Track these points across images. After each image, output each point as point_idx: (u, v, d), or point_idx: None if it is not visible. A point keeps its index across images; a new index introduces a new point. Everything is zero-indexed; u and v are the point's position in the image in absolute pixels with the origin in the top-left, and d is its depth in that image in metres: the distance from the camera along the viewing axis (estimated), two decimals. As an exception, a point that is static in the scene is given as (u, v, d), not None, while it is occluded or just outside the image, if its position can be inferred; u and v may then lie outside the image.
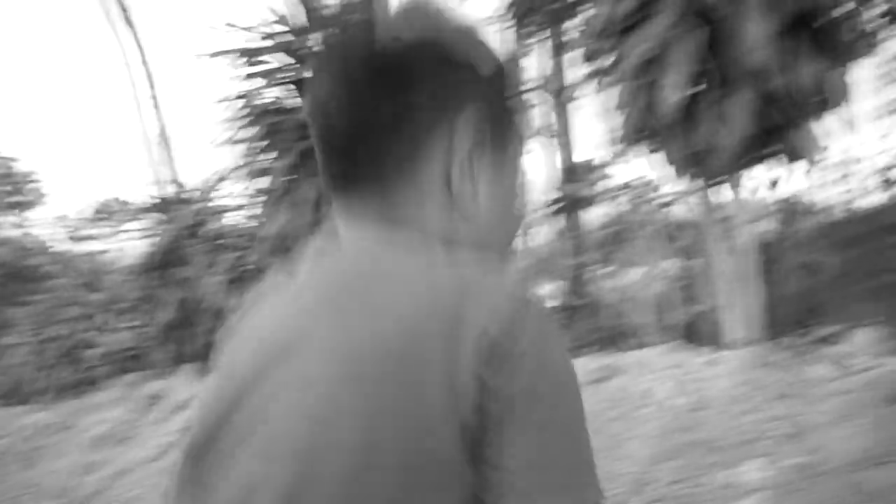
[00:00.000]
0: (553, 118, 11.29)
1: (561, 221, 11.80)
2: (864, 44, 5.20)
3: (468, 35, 0.72)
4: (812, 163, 4.86)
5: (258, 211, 8.00)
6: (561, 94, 9.40)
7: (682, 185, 5.57)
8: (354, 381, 0.57)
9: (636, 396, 4.24)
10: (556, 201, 7.65)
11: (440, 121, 0.66)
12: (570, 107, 10.66)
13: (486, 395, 0.55)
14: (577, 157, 12.36)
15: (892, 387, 3.72)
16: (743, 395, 3.53)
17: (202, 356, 9.20)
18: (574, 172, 11.63)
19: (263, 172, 7.59)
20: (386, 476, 0.55)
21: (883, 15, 14.01)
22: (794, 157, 4.92)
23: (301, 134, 6.97)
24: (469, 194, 0.66)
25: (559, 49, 9.42)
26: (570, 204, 9.36)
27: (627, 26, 4.52)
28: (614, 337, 6.25)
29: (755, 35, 3.91)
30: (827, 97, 4.84)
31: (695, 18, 4.33)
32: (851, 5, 4.83)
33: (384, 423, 0.56)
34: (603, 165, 10.70)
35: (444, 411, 0.55)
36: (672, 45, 4.35)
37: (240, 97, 7.48)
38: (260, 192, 7.77)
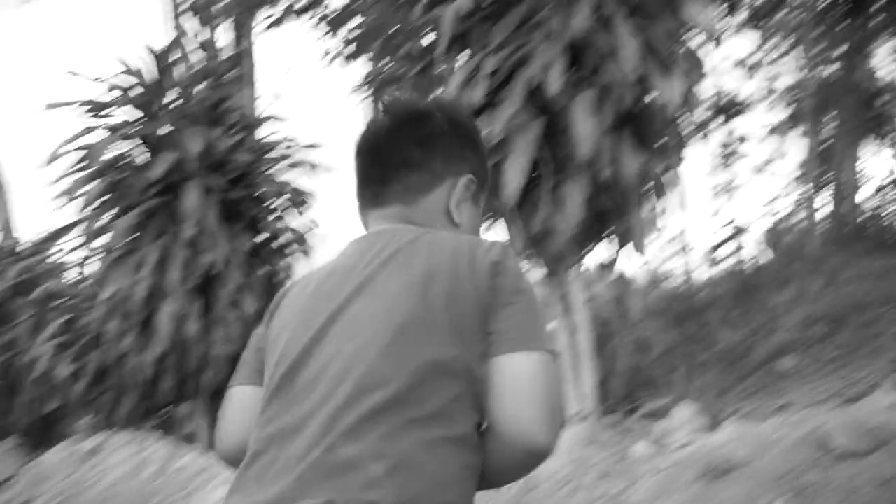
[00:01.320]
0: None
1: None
2: (683, 139, 5.75)
3: (471, 120, 1.30)
4: (640, 245, 5.23)
5: (96, 271, 7.47)
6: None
7: (525, 263, 5.82)
8: (422, 286, 1.00)
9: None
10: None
11: (448, 174, 1.15)
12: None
13: (492, 290, 1.00)
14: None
15: (705, 463, 3.98)
16: (570, 475, 3.63)
17: (29, 429, 8.36)
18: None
19: (104, 230, 7.13)
20: (441, 327, 0.98)
21: (710, 110, 15.60)
22: (624, 240, 5.30)
23: (147, 192, 6.66)
24: (457, 218, 1.16)
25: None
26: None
27: (475, 110, 4.71)
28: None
29: (585, 129, 4.19)
30: (654, 185, 5.29)
31: (536, 109, 4.58)
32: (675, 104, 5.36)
33: (440, 303, 0.99)
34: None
35: (471, 299, 0.99)
36: (514, 132, 4.57)
37: (83, 150, 7.04)
38: (99, 250, 7.28)
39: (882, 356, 5.29)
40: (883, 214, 15.10)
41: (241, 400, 1.20)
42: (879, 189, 17.24)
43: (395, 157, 1.17)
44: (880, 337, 5.76)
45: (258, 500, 0.95)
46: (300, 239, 7.58)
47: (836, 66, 17.69)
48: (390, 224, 1.14)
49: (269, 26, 8.79)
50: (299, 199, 7.63)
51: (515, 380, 0.99)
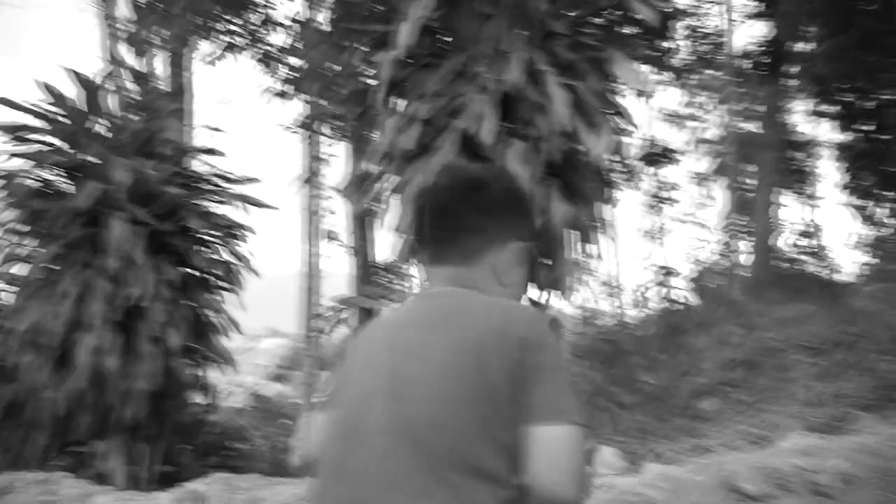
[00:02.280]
0: (352, 223, 11.51)
1: (357, 321, 11.84)
2: (612, 187, 5.99)
3: (522, 190, 1.47)
4: (567, 290, 5.37)
5: (11, 301, 7.13)
6: (356, 201, 9.63)
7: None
8: (457, 361, 1.17)
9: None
10: (342, 302, 7.66)
11: (500, 238, 1.32)
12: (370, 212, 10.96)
13: (521, 365, 1.15)
14: (378, 258, 12.64)
15: (624, 506, 4.06)
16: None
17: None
18: (370, 275, 11.83)
19: (23, 260, 6.84)
20: (472, 402, 1.15)
21: (640, 159, 16.20)
22: (553, 284, 5.44)
23: (70, 221, 6.45)
24: (505, 280, 1.32)
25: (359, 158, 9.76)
26: (360, 307, 9.45)
27: (410, 155, 4.79)
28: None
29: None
30: (582, 231, 5.47)
31: (469, 157, 4.69)
32: (603, 156, 5.58)
33: (473, 378, 1.15)
34: (398, 271, 11.00)
35: (501, 372, 1.15)
36: (448, 177, 4.65)
37: (4, 177, 6.78)
38: (15, 280, 6.97)
39: (794, 401, 5.55)
40: (799, 262, 15.91)
41: (320, 429, 1.41)
42: (795, 239, 18.20)
43: (457, 222, 1.34)
44: (793, 382, 6.05)
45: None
46: (231, 273, 7.45)
47: (756, 122, 18.74)
48: (447, 285, 1.34)
49: (208, 62, 8.76)
50: (232, 233, 7.53)
51: (549, 449, 1.17)
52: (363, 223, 11.33)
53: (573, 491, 1.16)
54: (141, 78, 8.49)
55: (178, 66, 8.92)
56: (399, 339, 1.27)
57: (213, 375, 7.89)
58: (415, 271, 5.81)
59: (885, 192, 17.66)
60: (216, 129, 8.11)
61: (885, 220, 17.24)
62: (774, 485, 3.16)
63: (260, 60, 8.59)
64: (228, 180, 7.59)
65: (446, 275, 1.33)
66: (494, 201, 1.35)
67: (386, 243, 5.27)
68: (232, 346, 7.90)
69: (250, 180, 7.66)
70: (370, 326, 1.43)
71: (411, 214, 1.54)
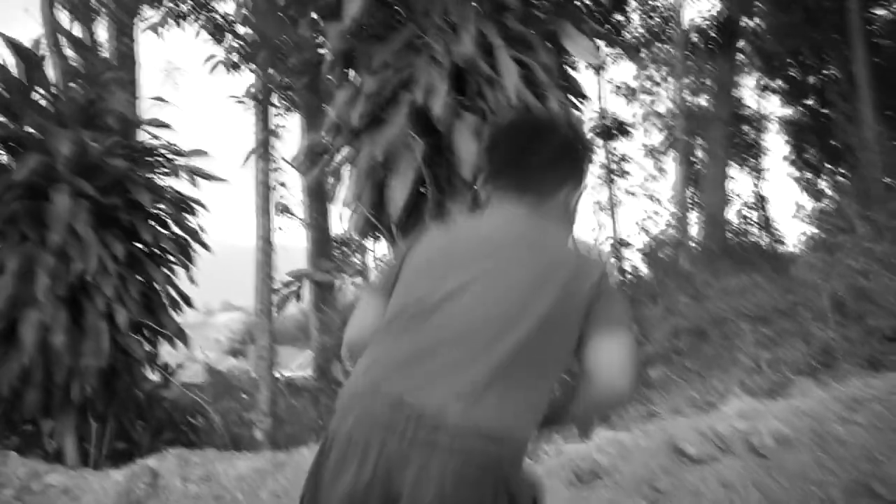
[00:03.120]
0: (306, 196, 11.39)
1: (312, 295, 11.77)
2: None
3: (588, 139, 1.71)
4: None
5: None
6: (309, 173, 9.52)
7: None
8: (542, 276, 1.43)
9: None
10: (296, 276, 7.60)
11: (570, 179, 1.59)
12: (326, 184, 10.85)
13: (596, 295, 1.44)
14: (334, 232, 12.56)
15: (573, 471, 4.18)
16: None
17: None
18: (327, 248, 11.75)
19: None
20: (547, 328, 1.38)
21: (593, 132, 16.26)
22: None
23: (10, 195, 6.23)
24: (572, 211, 1.62)
25: (312, 130, 9.62)
26: (316, 280, 9.40)
27: (360, 128, 4.75)
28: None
29: (468, 151, 4.32)
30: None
31: (420, 129, 4.68)
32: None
33: (555, 293, 1.41)
34: (353, 244, 10.95)
35: (581, 296, 1.43)
36: (400, 150, 4.64)
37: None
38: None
39: (737, 367, 5.75)
40: (747, 234, 16.36)
41: (372, 306, 1.60)
42: (742, 211, 18.69)
43: (536, 158, 1.57)
44: (737, 350, 6.26)
45: (410, 393, 1.32)
46: (182, 247, 7.32)
47: (707, 96, 19.06)
48: (525, 210, 1.55)
49: (151, 29, 8.46)
50: (181, 207, 7.38)
51: (613, 355, 1.45)
52: (318, 196, 11.22)
53: (628, 380, 1.44)
54: (84, 47, 8.18)
55: (123, 34, 8.62)
56: (481, 250, 1.49)
57: (166, 351, 7.78)
58: (371, 245, 5.79)
59: (828, 165, 18.24)
60: (163, 101, 7.89)
61: (828, 192, 17.82)
62: (715, 447, 3.29)
63: (208, 30, 8.35)
64: (177, 153, 7.41)
65: (524, 202, 1.56)
66: (567, 145, 1.60)
67: (342, 216, 5.24)
68: (185, 322, 7.78)
69: (200, 153, 7.49)
70: (455, 226, 1.63)
71: (485, 146, 1.67)
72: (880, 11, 17.71)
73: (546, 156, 1.56)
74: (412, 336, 1.40)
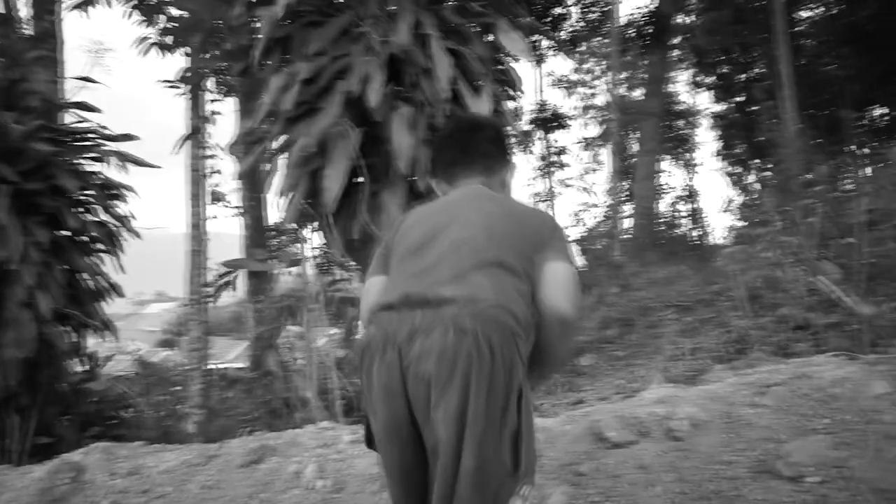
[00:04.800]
0: (241, 183, 11.18)
1: (248, 285, 11.58)
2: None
3: (505, 130, 2.25)
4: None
5: None
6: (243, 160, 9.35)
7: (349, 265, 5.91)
8: (503, 214, 1.89)
9: (284, 479, 4.24)
10: (231, 266, 7.47)
11: (503, 161, 2.10)
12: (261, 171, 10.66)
13: (551, 235, 1.86)
14: (270, 221, 12.36)
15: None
16: (375, 475, 3.75)
17: None
18: (262, 237, 11.57)
19: None
20: (511, 236, 1.82)
21: (531, 123, 16.45)
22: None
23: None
24: (509, 187, 2.13)
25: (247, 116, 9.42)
26: (251, 270, 9.26)
27: (295, 116, 4.71)
28: (280, 410, 6.26)
29: (402, 142, 4.35)
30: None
31: (355, 119, 4.67)
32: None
33: (515, 226, 1.86)
34: (289, 233, 10.82)
35: (534, 232, 1.86)
36: (335, 139, 4.62)
37: None
38: None
39: (661, 355, 5.98)
40: (676, 225, 16.88)
41: (376, 283, 1.97)
42: (673, 203, 19.28)
43: (478, 149, 2.07)
44: (661, 338, 6.50)
45: (416, 290, 1.73)
46: (108, 235, 7.10)
47: (640, 90, 19.52)
48: (471, 186, 2.02)
49: (77, 7, 8.11)
50: (110, 193, 7.16)
51: (557, 276, 1.79)
52: (253, 184, 11.03)
53: (571, 306, 1.77)
54: (3, 23, 7.81)
55: (44, 8, 8.24)
56: (454, 205, 1.94)
57: (94, 342, 7.54)
58: (308, 234, 5.76)
59: (754, 160, 18.96)
60: (91, 80, 7.61)
61: (754, 186, 18.53)
62: (635, 431, 3.43)
63: (137, 8, 8.05)
64: (106, 137, 7.17)
65: (472, 184, 2.03)
66: (497, 136, 2.11)
67: (276, 204, 5.19)
68: (114, 312, 7.56)
69: (130, 137, 7.27)
70: (419, 208, 2.07)
71: (434, 148, 2.17)
72: (805, 13, 18.48)
73: (485, 144, 2.08)
74: (411, 263, 1.82)
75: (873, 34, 15.85)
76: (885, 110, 18.05)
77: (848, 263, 4.74)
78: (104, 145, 7.13)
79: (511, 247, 1.78)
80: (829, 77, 17.19)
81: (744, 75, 19.62)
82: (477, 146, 2.06)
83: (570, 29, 17.26)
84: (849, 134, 9.80)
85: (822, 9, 17.91)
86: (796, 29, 17.43)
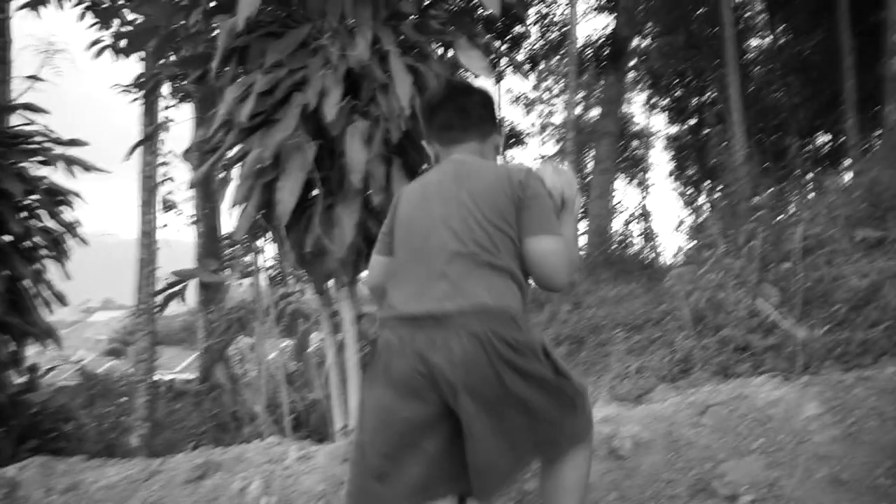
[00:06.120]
0: (195, 191, 11.00)
1: (199, 295, 11.38)
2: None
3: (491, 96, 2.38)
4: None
5: None
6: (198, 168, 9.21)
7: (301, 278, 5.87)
8: (481, 197, 2.03)
9: (228, 496, 4.18)
10: (182, 275, 7.32)
11: (494, 126, 2.29)
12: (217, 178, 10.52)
13: (521, 198, 2.02)
14: (224, 230, 12.18)
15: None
16: (325, 491, 3.73)
17: None
18: (216, 246, 11.40)
19: None
20: (489, 216, 2.01)
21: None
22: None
23: None
24: (497, 151, 2.32)
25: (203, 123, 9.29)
26: (202, 282, 9.09)
27: (251, 127, 4.67)
28: (228, 424, 6.15)
29: (358, 157, 4.35)
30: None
31: (313, 130, 4.65)
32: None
33: (491, 208, 2.01)
34: (242, 244, 10.67)
35: (509, 202, 2.02)
36: (291, 151, 4.59)
37: None
38: None
39: (608, 374, 6.07)
40: (629, 245, 17.20)
41: (380, 262, 2.24)
42: (627, 222, 19.65)
43: (474, 112, 2.21)
44: (609, 357, 6.61)
45: (422, 308, 1.92)
46: (54, 241, 6.93)
47: (597, 110, 19.90)
48: (468, 155, 2.20)
49: (27, 6, 7.91)
50: (56, 199, 6.98)
51: (541, 253, 1.98)
52: (207, 193, 10.88)
53: (563, 279, 1.99)
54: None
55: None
56: (443, 190, 2.07)
57: (35, 351, 7.32)
58: (261, 244, 5.71)
59: (705, 182, 19.48)
60: (39, 79, 7.44)
61: (704, 208, 19.00)
62: (580, 449, 3.48)
63: (91, 10, 7.87)
64: (54, 141, 7.01)
65: (467, 149, 2.22)
66: (488, 102, 2.24)
67: (231, 214, 5.12)
68: (59, 319, 7.36)
69: (78, 142, 7.12)
70: (417, 183, 2.22)
71: (425, 112, 2.28)
72: (754, 42, 19.12)
73: (480, 108, 2.21)
74: (412, 270, 2.00)
75: (818, 64, 16.49)
76: (828, 138, 18.77)
77: (787, 287, 4.91)
78: (51, 149, 6.96)
79: (495, 243, 1.95)
80: (777, 104, 17.81)
81: (696, 99, 20.19)
82: (473, 109, 2.21)
83: (531, 48, 17.52)
84: (794, 160, 10.17)
85: (771, 38, 18.58)
86: (747, 56, 18.02)
